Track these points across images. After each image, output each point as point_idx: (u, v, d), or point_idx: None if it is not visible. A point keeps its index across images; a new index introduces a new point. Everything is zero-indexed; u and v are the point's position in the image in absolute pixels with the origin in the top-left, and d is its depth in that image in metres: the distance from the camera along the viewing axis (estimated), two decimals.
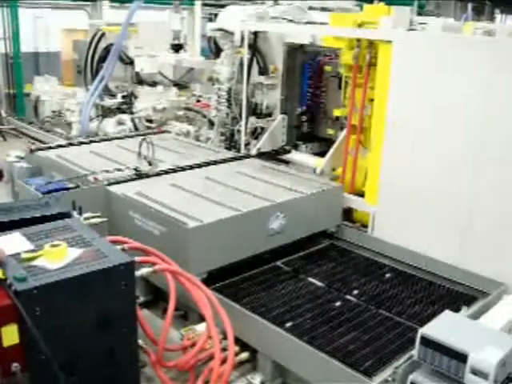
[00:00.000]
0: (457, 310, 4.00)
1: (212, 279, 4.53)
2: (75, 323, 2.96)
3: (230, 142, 7.59)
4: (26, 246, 3.20)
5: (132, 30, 9.63)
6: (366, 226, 5.70)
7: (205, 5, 14.96)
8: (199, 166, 5.94)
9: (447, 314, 3.49)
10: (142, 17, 9.88)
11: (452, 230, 4.94)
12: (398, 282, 4.86)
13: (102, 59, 9.90)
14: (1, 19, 12.50)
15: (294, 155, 6.91)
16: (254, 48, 7.02)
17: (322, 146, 7.15)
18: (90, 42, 10.40)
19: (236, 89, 7.38)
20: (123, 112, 9.38)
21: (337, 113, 6.36)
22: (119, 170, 5.51)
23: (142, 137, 5.91)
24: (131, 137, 7.09)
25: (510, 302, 4.17)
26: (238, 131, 7.34)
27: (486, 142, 4.64)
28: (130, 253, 3.41)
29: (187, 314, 4.64)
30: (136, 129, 8.84)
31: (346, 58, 5.91)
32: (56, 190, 4.81)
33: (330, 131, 6.97)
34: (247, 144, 7.24)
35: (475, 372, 2.99)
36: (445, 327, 3.27)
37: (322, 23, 6.58)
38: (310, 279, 4.86)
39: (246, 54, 6.87)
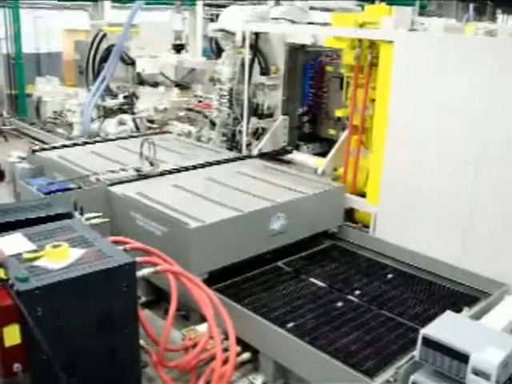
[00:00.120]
0: (458, 310, 3.99)
1: (213, 280, 4.53)
2: (77, 323, 2.97)
3: (232, 143, 7.59)
4: (27, 247, 3.21)
5: (133, 31, 9.63)
6: (367, 227, 5.70)
7: (206, 5, 14.96)
8: (201, 166, 5.94)
9: (449, 314, 3.49)
10: (143, 17, 9.87)
11: (454, 230, 4.94)
12: (399, 283, 4.86)
13: (104, 60, 9.90)
14: (2, 20, 12.52)
15: (296, 155, 6.91)
16: (256, 48, 7.02)
17: (324, 146, 7.15)
18: (92, 43, 10.40)
19: (237, 89, 7.38)
20: (125, 112, 9.38)
21: (338, 113, 6.36)
22: (123, 169, 5.53)
23: (146, 137, 5.92)
24: (135, 137, 7.08)
25: None
26: (240, 132, 7.34)
27: (487, 143, 4.64)
28: (131, 253, 3.41)
29: (189, 314, 4.64)
30: (137, 129, 8.84)
31: (347, 59, 5.91)
32: (58, 191, 4.82)
33: (332, 131, 6.97)
34: (249, 144, 7.25)
35: (477, 372, 2.98)
36: (446, 328, 3.26)
37: (323, 23, 6.58)
38: (312, 280, 4.86)
39: (247, 54, 6.87)
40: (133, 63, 9.66)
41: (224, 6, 9.29)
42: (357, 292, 4.66)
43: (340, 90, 6.52)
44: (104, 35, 10.30)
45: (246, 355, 4.17)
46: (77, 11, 14.76)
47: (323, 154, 6.64)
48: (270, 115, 7.30)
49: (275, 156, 6.82)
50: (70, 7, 14.57)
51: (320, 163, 6.35)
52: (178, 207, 4.72)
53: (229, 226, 4.60)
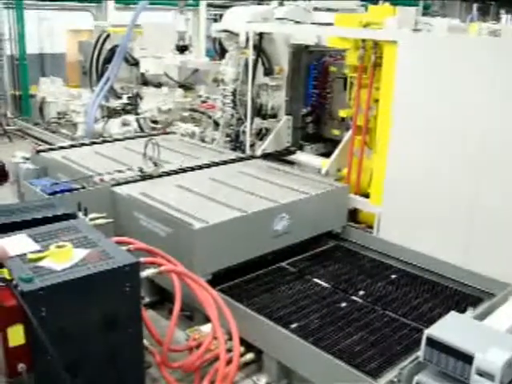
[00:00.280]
0: (463, 311, 3.98)
1: (217, 280, 4.53)
2: (81, 324, 2.97)
3: (235, 143, 7.59)
4: (31, 247, 3.21)
5: (137, 31, 9.65)
6: (371, 227, 5.69)
7: (210, 6, 14.97)
8: (205, 166, 5.95)
9: (453, 315, 3.48)
10: (146, 18, 9.88)
11: (458, 230, 4.93)
12: (403, 283, 4.85)
13: (108, 60, 9.92)
14: (6, 21, 12.56)
15: (299, 156, 6.91)
16: (259, 49, 7.02)
17: (327, 146, 7.15)
18: (96, 43, 10.42)
19: (241, 90, 7.39)
20: (128, 113, 9.40)
21: (342, 113, 6.36)
22: (129, 169, 5.55)
23: (151, 137, 5.93)
24: (142, 137, 7.08)
25: None
26: (243, 132, 7.35)
27: (492, 143, 4.63)
28: (135, 254, 3.41)
29: (193, 314, 4.63)
30: (141, 130, 8.85)
31: (351, 59, 5.92)
32: (62, 191, 4.83)
33: (336, 132, 6.97)
34: (252, 145, 7.25)
35: (481, 373, 2.97)
36: (451, 328, 3.26)
37: (327, 24, 6.58)
38: (316, 280, 4.86)
39: (251, 54, 6.87)
40: (136, 64, 9.69)
41: (227, 7, 9.29)
42: (361, 292, 4.65)
43: (344, 91, 6.51)
44: (108, 36, 10.33)
45: (250, 356, 4.16)
46: (80, 12, 14.78)
47: (327, 155, 6.64)
48: (274, 116, 7.31)
49: (279, 156, 6.82)
50: (74, 8, 14.59)
51: (324, 164, 6.35)
52: (181, 208, 4.72)
53: (232, 226, 4.60)
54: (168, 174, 5.63)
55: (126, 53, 9.43)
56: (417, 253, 5.12)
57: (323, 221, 5.43)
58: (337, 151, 6.27)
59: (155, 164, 5.66)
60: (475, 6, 15.86)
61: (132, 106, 9.47)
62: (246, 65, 7.11)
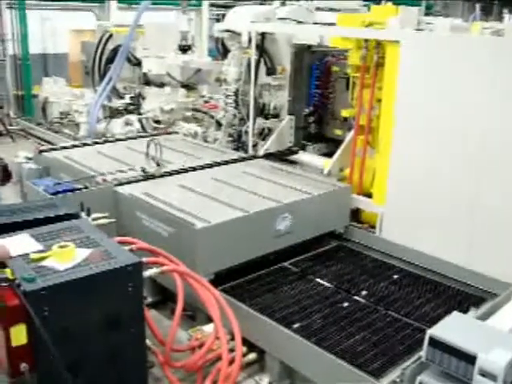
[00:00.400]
0: (465, 311, 3.98)
1: (220, 280, 4.53)
2: (83, 323, 2.97)
3: (238, 143, 7.60)
4: (34, 247, 3.22)
5: (139, 31, 9.64)
6: (374, 227, 5.69)
7: (212, 5, 14.98)
8: (207, 166, 5.95)
9: (456, 315, 3.47)
10: (148, 18, 9.88)
11: (460, 230, 4.92)
12: (406, 283, 4.84)
13: (110, 60, 9.92)
14: (9, 21, 12.57)
15: (302, 156, 6.91)
16: (262, 49, 7.02)
17: (330, 146, 7.15)
18: (98, 43, 10.42)
19: (243, 90, 7.39)
20: (131, 113, 9.40)
21: (345, 113, 6.36)
22: (131, 169, 5.55)
23: (153, 137, 5.94)
24: (144, 137, 7.08)
25: None
26: (246, 132, 7.35)
27: (495, 143, 4.62)
28: (137, 253, 3.42)
29: (195, 314, 4.64)
30: (144, 130, 8.85)
31: (353, 59, 5.91)
32: (64, 191, 4.83)
33: (338, 132, 6.97)
34: (255, 145, 7.25)
35: (484, 374, 2.97)
36: (453, 328, 3.25)
37: (329, 24, 6.58)
38: (318, 280, 4.85)
39: (253, 54, 6.87)
40: (139, 64, 9.69)
41: (230, 7, 9.29)
42: (363, 292, 4.65)
43: (346, 91, 6.51)
44: (110, 36, 10.33)
45: (252, 355, 4.17)
46: (83, 12, 14.80)
47: (329, 155, 6.63)
48: (276, 115, 7.31)
49: (281, 156, 6.82)
50: (77, 8, 14.60)
51: (326, 163, 6.35)
52: (184, 207, 4.72)
53: (235, 226, 4.60)
54: (170, 173, 5.64)
55: (128, 53, 9.43)
56: (419, 253, 5.12)
57: (325, 221, 5.42)
58: (339, 151, 6.27)
59: (158, 164, 5.67)
60: (478, 5, 15.84)
61: (134, 106, 9.48)
62: (249, 65, 7.12)
